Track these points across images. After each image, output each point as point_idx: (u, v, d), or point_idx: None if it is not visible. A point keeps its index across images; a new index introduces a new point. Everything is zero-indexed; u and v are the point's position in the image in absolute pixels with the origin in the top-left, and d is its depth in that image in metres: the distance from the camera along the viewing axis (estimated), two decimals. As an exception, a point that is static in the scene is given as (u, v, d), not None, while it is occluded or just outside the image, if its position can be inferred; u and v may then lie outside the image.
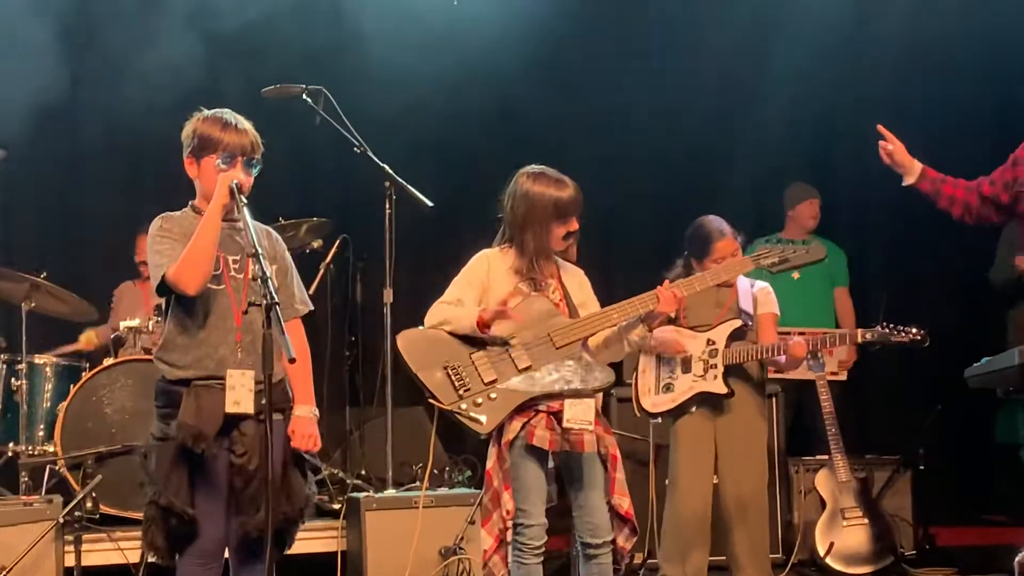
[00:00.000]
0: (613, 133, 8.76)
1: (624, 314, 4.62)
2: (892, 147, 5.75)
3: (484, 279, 4.66)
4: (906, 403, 8.62)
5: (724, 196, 7.92)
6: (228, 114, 4.22)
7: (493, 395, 4.53)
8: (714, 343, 5.68)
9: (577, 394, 4.54)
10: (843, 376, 7.74)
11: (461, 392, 4.53)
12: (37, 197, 7.78)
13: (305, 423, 4.22)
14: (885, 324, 5.74)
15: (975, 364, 4.99)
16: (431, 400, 4.54)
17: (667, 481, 5.87)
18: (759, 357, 5.70)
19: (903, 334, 5.69)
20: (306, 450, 4.20)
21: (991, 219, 5.74)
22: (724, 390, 5.63)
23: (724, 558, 5.85)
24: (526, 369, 4.55)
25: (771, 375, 6.84)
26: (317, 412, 4.30)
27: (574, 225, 4.68)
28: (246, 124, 4.23)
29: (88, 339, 7.23)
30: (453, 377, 4.53)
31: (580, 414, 4.51)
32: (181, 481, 4.04)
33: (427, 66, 8.15)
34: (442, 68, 8.19)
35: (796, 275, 7.61)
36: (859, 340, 5.80)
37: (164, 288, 4.08)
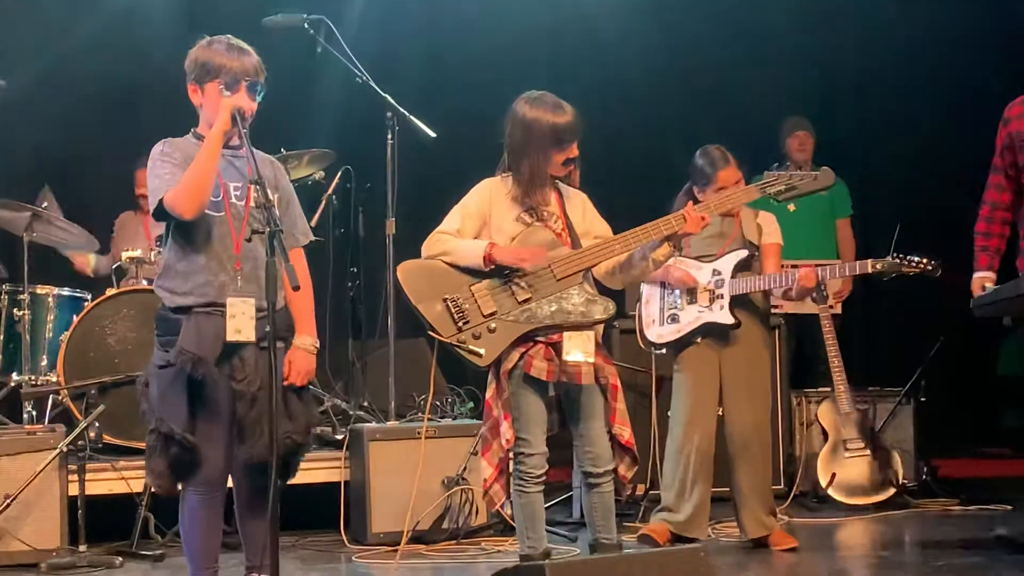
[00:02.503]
0: (617, 60, 8.69)
1: (628, 245, 4.58)
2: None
3: (485, 208, 4.63)
4: (908, 335, 8.62)
5: (728, 128, 7.85)
6: (230, 39, 4.19)
7: (492, 327, 4.51)
8: (720, 273, 5.66)
9: (577, 326, 4.52)
10: (837, 309, 7.72)
11: (460, 324, 4.51)
12: (37, 128, 7.73)
13: (302, 356, 4.21)
14: (896, 254, 5.73)
15: (981, 294, 4.98)
16: (431, 332, 4.52)
17: (669, 412, 5.88)
18: (767, 287, 5.68)
19: (914, 264, 5.68)
20: (300, 384, 4.18)
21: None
22: (731, 320, 5.62)
23: (726, 490, 5.87)
24: (526, 301, 4.52)
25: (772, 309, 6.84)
26: (317, 343, 4.28)
27: (574, 151, 4.63)
28: (249, 48, 4.19)
29: (86, 260, 7.23)
30: (453, 309, 4.51)
31: (579, 346, 4.49)
32: (181, 408, 4.04)
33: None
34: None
35: (792, 207, 7.58)
36: (870, 270, 5.78)
37: (161, 212, 4.07)
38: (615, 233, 4.67)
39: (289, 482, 4.28)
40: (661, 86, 8.70)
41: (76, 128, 7.88)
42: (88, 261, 7.31)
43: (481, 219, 4.62)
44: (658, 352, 6.10)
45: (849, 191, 8.05)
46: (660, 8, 8.59)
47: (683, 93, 8.69)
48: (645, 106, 8.73)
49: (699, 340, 5.70)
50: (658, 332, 5.77)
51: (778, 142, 8.01)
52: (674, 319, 5.72)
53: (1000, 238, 5.58)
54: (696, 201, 5.46)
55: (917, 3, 8.51)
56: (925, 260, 5.68)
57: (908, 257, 5.70)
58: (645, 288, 5.83)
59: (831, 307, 7.54)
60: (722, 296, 5.64)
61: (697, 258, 5.72)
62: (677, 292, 5.73)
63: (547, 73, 7.46)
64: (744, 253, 5.69)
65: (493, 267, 4.52)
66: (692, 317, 5.68)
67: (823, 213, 7.91)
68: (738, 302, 5.66)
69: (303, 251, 4.36)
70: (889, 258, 5.74)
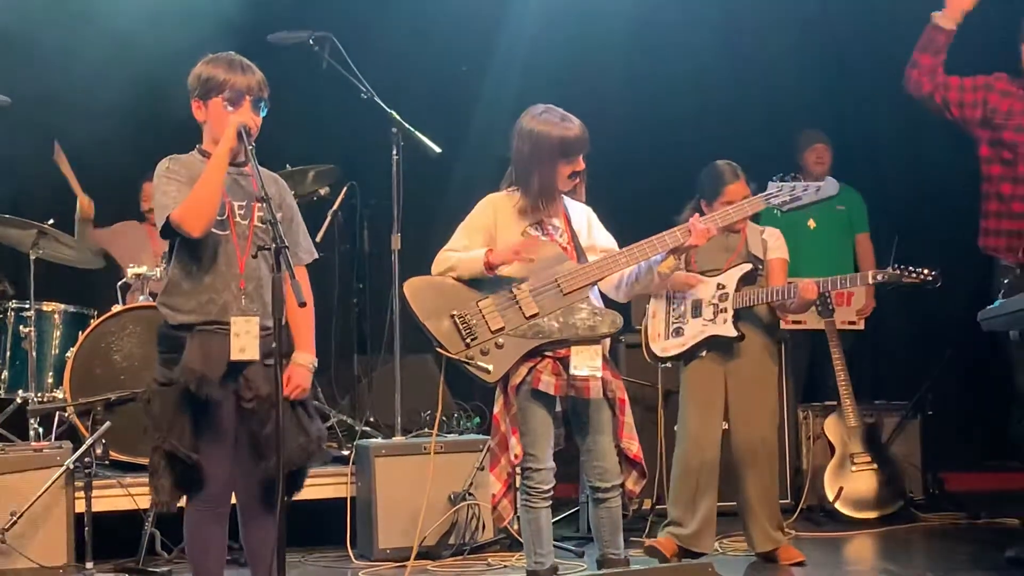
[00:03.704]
0: (625, 75, 8.68)
1: (633, 258, 4.58)
2: None
3: (490, 223, 4.62)
4: (916, 348, 8.60)
5: (735, 141, 7.84)
6: (233, 55, 4.21)
7: (500, 343, 4.50)
8: (724, 287, 5.67)
9: (584, 341, 4.52)
10: (860, 325, 7.71)
11: (468, 341, 4.50)
12: (42, 145, 7.73)
13: (300, 373, 4.22)
14: (897, 265, 5.74)
15: (988, 307, 4.98)
16: (439, 349, 4.52)
17: (676, 427, 5.88)
18: (769, 300, 5.69)
19: (915, 274, 5.69)
20: (292, 398, 4.17)
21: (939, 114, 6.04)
22: (734, 333, 5.62)
23: (733, 504, 5.86)
24: (533, 316, 4.51)
25: (784, 325, 6.83)
26: (315, 361, 4.29)
27: (580, 165, 4.63)
28: (252, 65, 4.21)
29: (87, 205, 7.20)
30: (460, 326, 4.51)
31: (587, 360, 4.49)
32: (185, 427, 4.05)
33: (432, 7, 8.10)
34: (447, 11, 8.12)
35: (812, 223, 7.60)
36: (871, 281, 5.81)
37: (168, 230, 4.07)
38: (621, 246, 4.67)
39: (295, 497, 4.28)
40: (671, 100, 8.67)
41: (82, 145, 7.87)
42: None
43: (487, 233, 4.62)
44: (664, 366, 6.11)
45: (866, 206, 8.01)
46: (669, 21, 8.57)
47: (694, 107, 8.66)
48: (654, 120, 8.71)
49: (704, 354, 5.70)
50: (663, 346, 5.77)
51: (792, 156, 7.95)
52: (679, 332, 5.72)
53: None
54: (703, 215, 5.47)
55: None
56: (926, 270, 5.70)
57: (908, 267, 5.71)
58: (652, 303, 5.83)
59: (853, 323, 7.56)
60: (726, 309, 5.64)
61: (702, 272, 5.73)
62: (682, 306, 5.72)
63: (554, 88, 7.44)
64: (748, 267, 5.70)
65: (494, 273, 4.51)
66: (696, 330, 5.68)
67: (842, 229, 7.85)
68: (743, 316, 5.67)
69: (306, 269, 4.36)
70: (890, 269, 5.75)
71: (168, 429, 4.04)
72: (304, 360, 4.25)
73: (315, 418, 4.32)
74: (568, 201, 4.72)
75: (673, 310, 5.76)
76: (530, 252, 4.51)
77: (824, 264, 7.33)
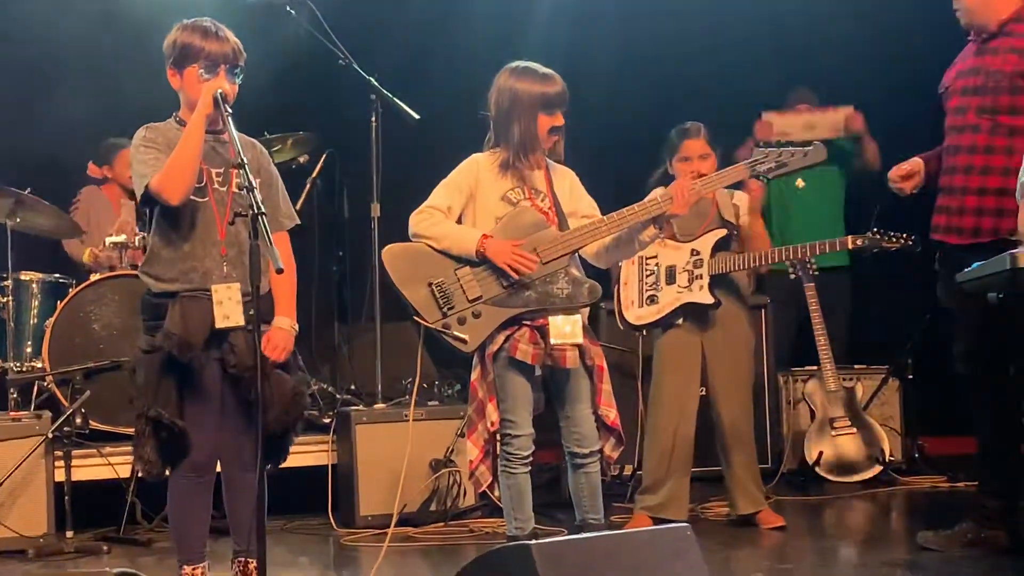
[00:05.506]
0: (607, 40, 8.63)
1: (615, 226, 4.55)
2: (910, 176, 5.49)
3: (472, 184, 4.59)
4: (895, 312, 8.61)
5: (723, 112, 7.79)
6: (208, 22, 4.18)
7: (477, 312, 4.50)
8: (698, 253, 5.65)
9: (563, 310, 4.51)
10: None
11: (445, 310, 4.49)
12: (17, 114, 7.67)
13: (281, 335, 4.21)
14: (876, 230, 5.75)
15: (967, 269, 4.97)
16: (416, 318, 4.51)
17: (650, 394, 5.87)
18: (745, 266, 5.68)
19: (894, 239, 5.72)
20: (274, 360, 4.16)
21: None
22: (711, 300, 5.61)
23: (712, 468, 5.89)
24: (511, 285, 4.50)
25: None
26: (296, 326, 4.28)
27: (559, 120, 4.60)
28: (227, 32, 4.18)
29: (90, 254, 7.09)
30: (438, 294, 4.50)
31: (564, 330, 4.47)
32: (170, 393, 4.05)
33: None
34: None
35: (800, 183, 7.53)
36: (850, 246, 5.82)
37: (148, 198, 4.06)
38: (603, 211, 4.65)
39: (280, 465, 4.29)
40: (660, 62, 8.62)
41: (55, 114, 7.81)
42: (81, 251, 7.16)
43: (467, 194, 4.59)
44: (638, 333, 6.11)
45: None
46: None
47: (682, 70, 8.62)
48: (641, 84, 8.67)
49: (680, 322, 5.69)
50: (637, 314, 5.75)
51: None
52: (653, 300, 5.71)
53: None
54: (669, 178, 5.46)
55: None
56: (904, 235, 5.72)
57: (888, 232, 5.73)
58: (623, 269, 5.80)
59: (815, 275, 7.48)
60: (701, 276, 5.63)
61: (672, 237, 5.69)
62: (656, 273, 5.70)
63: (535, 50, 7.40)
64: (723, 232, 5.69)
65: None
66: (671, 298, 5.67)
67: (833, 186, 7.73)
68: (719, 282, 5.66)
69: (287, 234, 4.35)
70: (869, 234, 5.77)
71: (153, 396, 4.04)
72: (284, 324, 4.24)
73: (301, 379, 4.31)
74: (552, 164, 4.70)
75: (647, 277, 5.74)
76: (503, 216, 4.50)
77: (814, 226, 7.26)
